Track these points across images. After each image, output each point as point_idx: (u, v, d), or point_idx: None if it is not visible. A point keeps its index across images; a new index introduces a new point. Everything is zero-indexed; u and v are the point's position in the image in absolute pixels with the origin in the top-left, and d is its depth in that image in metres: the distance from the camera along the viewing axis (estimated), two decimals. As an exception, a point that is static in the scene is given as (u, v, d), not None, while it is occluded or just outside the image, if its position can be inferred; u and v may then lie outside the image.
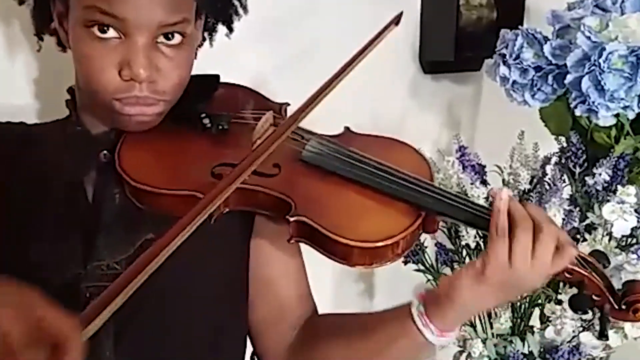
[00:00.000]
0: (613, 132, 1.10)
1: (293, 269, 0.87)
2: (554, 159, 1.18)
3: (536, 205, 0.97)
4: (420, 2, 1.42)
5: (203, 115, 0.83)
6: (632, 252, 0.92)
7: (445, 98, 1.51)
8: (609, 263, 0.75)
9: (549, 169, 1.17)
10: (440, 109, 1.51)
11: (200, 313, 0.82)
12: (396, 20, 0.89)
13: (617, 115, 1.03)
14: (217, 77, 0.92)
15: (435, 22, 1.41)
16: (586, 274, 0.74)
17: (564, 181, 1.16)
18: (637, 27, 0.98)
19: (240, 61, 1.17)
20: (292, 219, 0.73)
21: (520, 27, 1.12)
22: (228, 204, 0.75)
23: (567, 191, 1.18)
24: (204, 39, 0.91)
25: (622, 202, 0.92)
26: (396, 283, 1.19)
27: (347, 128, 0.88)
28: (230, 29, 0.91)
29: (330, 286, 1.40)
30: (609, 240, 0.93)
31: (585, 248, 0.92)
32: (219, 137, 0.82)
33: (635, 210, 0.93)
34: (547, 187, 1.16)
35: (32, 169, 0.83)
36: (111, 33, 0.76)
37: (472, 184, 1.05)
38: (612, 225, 0.93)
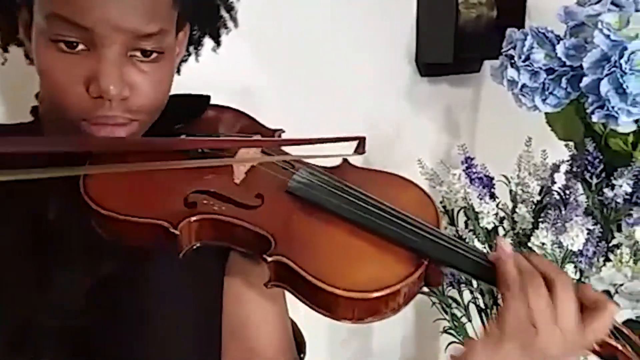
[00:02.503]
0: (630, 138, 1.01)
1: (271, 315, 0.76)
2: (565, 167, 1.10)
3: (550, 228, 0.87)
4: (416, 1, 1.34)
5: (183, 136, 0.75)
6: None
7: (443, 102, 1.43)
8: None
9: (557, 177, 1.09)
10: (438, 114, 1.43)
11: (174, 351, 0.73)
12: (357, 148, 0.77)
13: (636, 121, 0.94)
14: (207, 98, 0.83)
15: (433, 22, 1.32)
16: (620, 347, 0.63)
17: (576, 191, 1.08)
18: (658, 24, 0.90)
19: (232, 73, 1.09)
20: (270, 259, 0.63)
21: (528, 25, 1.03)
22: (199, 238, 0.66)
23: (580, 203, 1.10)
24: (189, 54, 0.83)
25: (657, 221, 0.84)
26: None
27: (345, 160, 0.78)
28: (218, 43, 0.82)
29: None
30: (636, 262, 0.84)
31: (611, 270, 0.83)
32: (199, 159, 0.72)
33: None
34: (557, 197, 1.08)
35: None
36: (80, 48, 0.66)
37: (480, 198, 0.96)
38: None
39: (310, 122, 1.22)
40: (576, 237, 0.83)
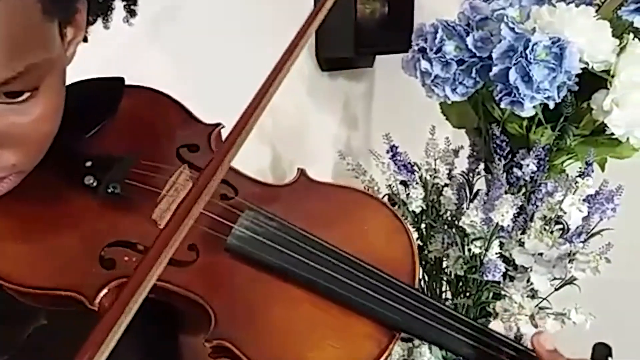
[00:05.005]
0: (525, 123, 1.11)
1: None
2: (467, 152, 1.18)
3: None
4: (313, -3, 1.37)
5: (88, 164, 0.59)
6: (576, 241, 0.93)
7: (342, 96, 1.48)
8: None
9: (457, 162, 1.17)
10: (338, 108, 1.48)
11: None
12: None
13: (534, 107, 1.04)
14: (120, 82, 0.65)
15: (332, 17, 1.36)
16: None
17: (479, 173, 1.17)
18: (551, 18, 0.99)
19: (130, 63, 1.05)
20: (209, 345, 0.52)
21: (417, 22, 1.10)
22: None
23: (480, 184, 1.19)
24: (93, 23, 0.62)
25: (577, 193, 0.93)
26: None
27: (301, 172, 0.63)
28: (132, 12, 0.64)
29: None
30: (552, 232, 0.93)
31: (534, 241, 0.91)
32: (111, 200, 0.58)
33: (585, 200, 0.94)
34: (461, 179, 1.16)
35: None
36: None
37: (408, 184, 1.01)
38: (567, 217, 0.93)
39: (210, 119, 1.22)
40: (506, 212, 0.91)
